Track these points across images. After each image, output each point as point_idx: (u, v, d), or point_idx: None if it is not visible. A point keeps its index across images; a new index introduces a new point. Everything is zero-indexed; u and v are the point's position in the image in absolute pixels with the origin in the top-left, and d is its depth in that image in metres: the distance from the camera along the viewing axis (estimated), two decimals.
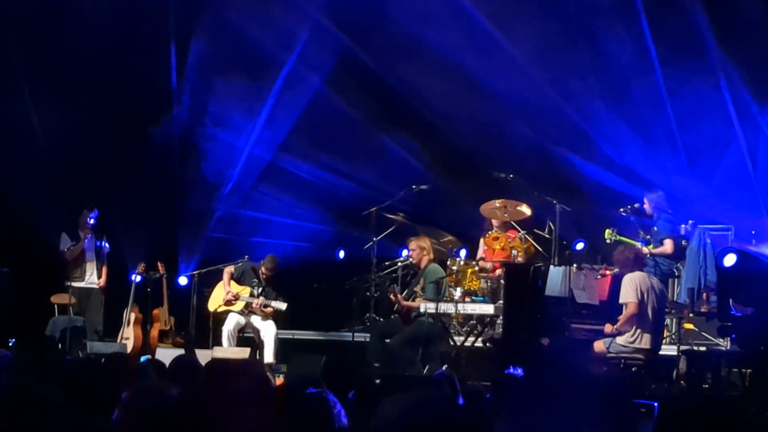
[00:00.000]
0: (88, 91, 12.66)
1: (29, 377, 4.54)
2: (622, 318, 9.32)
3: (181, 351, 11.10)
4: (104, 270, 11.98)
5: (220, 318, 11.66)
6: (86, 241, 11.79)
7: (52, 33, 12.46)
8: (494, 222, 11.61)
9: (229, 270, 11.77)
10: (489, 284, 11.21)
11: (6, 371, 4.34)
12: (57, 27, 12.41)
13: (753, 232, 11.14)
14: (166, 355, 10.56)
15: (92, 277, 11.88)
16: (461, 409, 3.63)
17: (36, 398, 3.67)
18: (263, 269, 11.59)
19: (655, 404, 4.34)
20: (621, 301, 9.37)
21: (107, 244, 11.99)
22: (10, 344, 10.65)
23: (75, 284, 11.70)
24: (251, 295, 11.54)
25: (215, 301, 11.77)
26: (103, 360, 5.60)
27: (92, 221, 11.93)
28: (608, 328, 9.39)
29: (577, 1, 12.09)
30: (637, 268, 9.52)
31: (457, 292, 10.60)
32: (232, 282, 11.70)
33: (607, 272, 10.59)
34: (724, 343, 9.90)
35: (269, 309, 11.44)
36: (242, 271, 11.76)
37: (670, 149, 12.13)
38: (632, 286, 9.27)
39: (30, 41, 12.63)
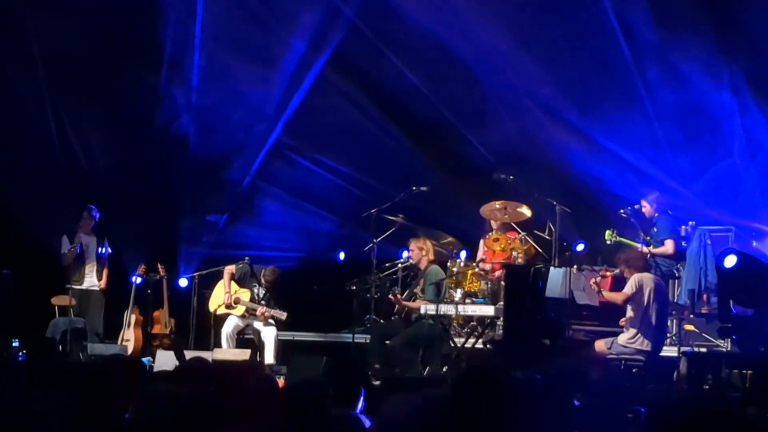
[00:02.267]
0: (86, 92, 12.66)
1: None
2: (613, 296, 9.39)
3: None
4: (105, 272, 11.95)
5: (220, 319, 11.64)
6: (81, 244, 11.73)
7: (51, 34, 12.46)
8: (494, 223, 11.61)
9: (229, 269, 11.72)
10: (489, 286, 11.21)
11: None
12: (56, 29, 12.41)
13: (753, 233, 11.16)
14: (169, 357, 10.57)
15: (92, 279, 11.86)
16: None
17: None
18: (263, 280, 11.56)
19: (642, 409, 4.33)
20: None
21: (108, 249, 11.96)
22: (14, 345, 10.67)
23: (75, 286, 11.68)
24: (252, 299, 11.52)
25: (216, 301, 11.74)
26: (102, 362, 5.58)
27: (95, 219, 11.88)
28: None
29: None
30: (644, 270, 9.53)
31: (458, 294, 10.60)
32: (233, 283, 11.68)
33: (608, 273, 10.60)
34: (725, 345, 9.90)
35: (269, 314, 11.43)
36: (243, 273, 11.72)
37: (671, 150, 12.13)
38: (635, 283, 9.27)
39: (29, 42, 12.63)
